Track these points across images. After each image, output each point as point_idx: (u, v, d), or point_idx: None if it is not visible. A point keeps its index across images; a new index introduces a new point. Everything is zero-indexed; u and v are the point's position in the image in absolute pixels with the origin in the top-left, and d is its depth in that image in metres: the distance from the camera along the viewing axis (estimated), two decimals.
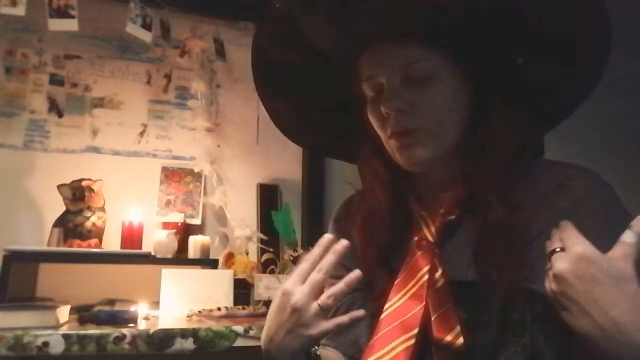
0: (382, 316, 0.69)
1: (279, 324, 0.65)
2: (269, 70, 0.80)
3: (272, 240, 1.77)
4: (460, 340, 0.63)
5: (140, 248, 1.63)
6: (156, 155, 1.82)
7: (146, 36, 1.63)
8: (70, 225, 1.59)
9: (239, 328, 1.23)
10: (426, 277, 0.67)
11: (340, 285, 0.64)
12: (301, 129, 0.88)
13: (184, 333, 1.18)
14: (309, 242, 1.81)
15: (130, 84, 1.82)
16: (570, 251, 0.55)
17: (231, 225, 1.79)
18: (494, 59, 0.68)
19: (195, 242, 1.67)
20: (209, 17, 1.89)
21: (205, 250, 1.68)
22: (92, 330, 1.13)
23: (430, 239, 0.70)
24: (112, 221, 1.66)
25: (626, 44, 1.08)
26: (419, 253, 0.70)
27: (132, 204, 1.69)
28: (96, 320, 1.23)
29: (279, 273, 1.63)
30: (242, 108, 1.93)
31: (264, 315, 1.44)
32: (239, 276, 1.62)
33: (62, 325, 1.21)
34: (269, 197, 1.90)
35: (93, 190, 1.64)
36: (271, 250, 1.73)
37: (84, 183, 1.64)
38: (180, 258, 1.65)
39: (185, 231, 1.72)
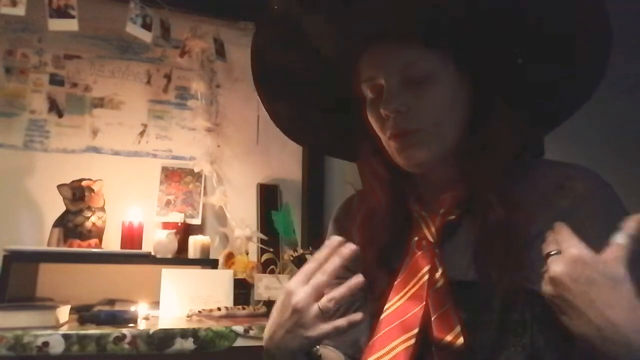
0: (382, 316, 0.68)
1: (280, 323, 0.65)
2: (268, 71, 0.80)
3: (272, 240, 1.77)
4: (460, 340, 0.63)
5: (140, 248, 1.63)
6: (156, 155, 1.82)
7: (146, 36, 1.63)
8: (70, 225, 1.59)
9: (239, 328, 1.23)
10: (426, 277, 0.67)
11: (342, 290, 0.63)
12: (301, 129, 0.88)
13: (184, 333, 1.18)
14: (309, 242, 1.82)
15: (130, 84, 1.83)
16: (565, 254, 0.55)
17: (231, 225, 1.79)
18: (493, 59, 0.68)
19: (195, 242, 1.67)
20: (209, 17, 1.89)
21: (205, 250, 1.68)
22: (92, 330, 1.13)
23: (430, 239, 0.70)
24: (112, 221, 1.66)
25: (626, 44, 1.08)
26: (419, 253, 0.70)
27: (132, 204, 1.69)
28: (96, 320, 1.23)
29: (279, 273, 1.63)
30: (242, 108, 1.93)
31: (264, 315, 1.47)
32: (239, 276, 1.62)
33: (62, 325, 1.21)
34: (269, 197, 1.90)
35: (93, 190, 1.64)
36: (271, 250, 1.73)
37: (84, 183, 1.64)
38: (180, 258, 1.65)
39: (185, 231, 1.73)
